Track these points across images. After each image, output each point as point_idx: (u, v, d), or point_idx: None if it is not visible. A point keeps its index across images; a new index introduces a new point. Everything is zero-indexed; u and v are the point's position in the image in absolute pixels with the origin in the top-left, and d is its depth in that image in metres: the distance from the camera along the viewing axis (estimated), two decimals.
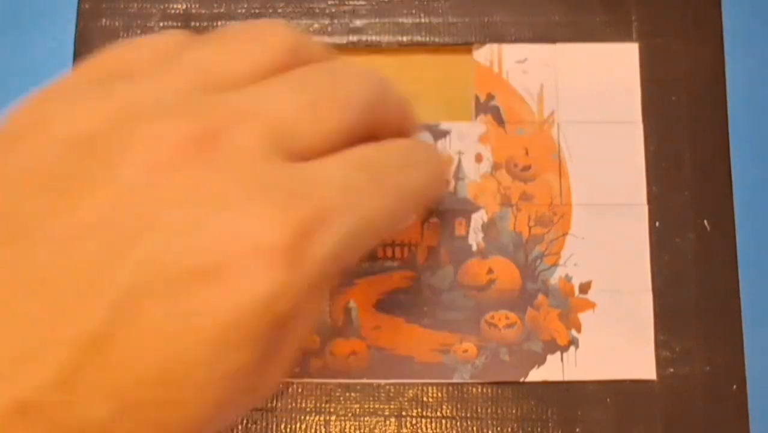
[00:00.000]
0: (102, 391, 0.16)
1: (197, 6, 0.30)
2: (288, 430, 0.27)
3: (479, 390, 0.27)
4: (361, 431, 0.27)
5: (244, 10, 0.30)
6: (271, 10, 0.30)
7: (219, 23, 0.30)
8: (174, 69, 0.18)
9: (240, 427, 0.27)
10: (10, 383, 0.15)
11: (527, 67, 0.30)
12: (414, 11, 0.30)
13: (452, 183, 0.29)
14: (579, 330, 0.28)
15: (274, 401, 0.27)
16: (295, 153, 0.18)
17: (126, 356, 0.16)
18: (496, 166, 0.29)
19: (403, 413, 0.27)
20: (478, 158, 0.29)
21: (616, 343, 0.27)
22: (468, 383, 0.27)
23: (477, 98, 0.29)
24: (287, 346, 0.19)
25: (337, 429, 0.27)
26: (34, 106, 0.18)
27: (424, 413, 0.27)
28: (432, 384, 0.27)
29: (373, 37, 0.30)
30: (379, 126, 0.20)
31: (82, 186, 0.16)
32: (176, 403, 0.16)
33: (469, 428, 0.27)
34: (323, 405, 0.27)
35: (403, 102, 0.22)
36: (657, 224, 0.28)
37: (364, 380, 0.27)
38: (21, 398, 0.15)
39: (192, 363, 0.16)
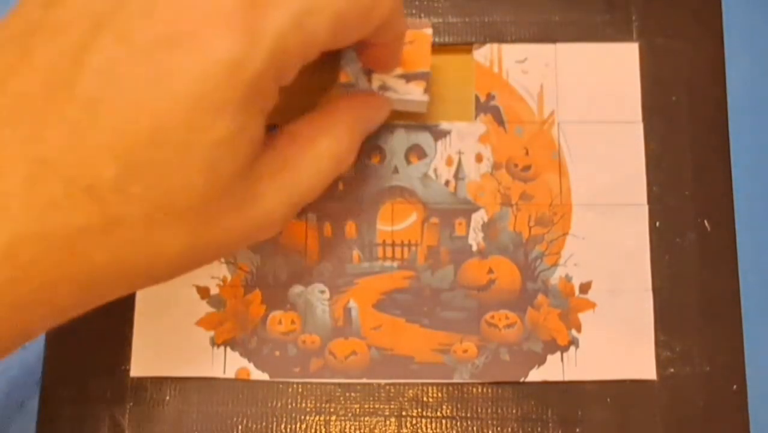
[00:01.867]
0: (105, 151, 0.18)
1: None
2: (288, 430, 0.27)
3: (479, 390, 0.27)
4: (361, 431, 0.27)
5: None
6: None
7: None
8: None
9: (240, 427, 0.27)
10: (28, 143, 0.18)
11: (527, 67, 0.30)
12: (414, 11, 0.30)
13: (453, 181, 0.29)
14: (579, 330, 0.28)
15: (274, 401, 0.27)
16: None
17: (117, 118, 0.18)
18: (496, 166, 0.29)
19: (404, 413, 0.27)
20: (479, 158, 0.29)
21: (616, 343, 0.28)
22: (468, 383, 0.27)
23: (477, 98, 0.29)
24: (286, 164, 0.22)
25: (338, 429, 0.27)
26: None
27: (424, 413, 0.27)
28: (432, 384, 0.27)
29: None
30: None
31: None
32: (171, 166, 0.19)
33: (469, 428, 0.27)
34: (323, 405, 0.27)
35: None
36: (657, 223, 0.28)
37: (364, 380, 0.27)
38: (38, 156, 0.18)
39: (175, 126, 0.19)
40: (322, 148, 0.24)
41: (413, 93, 0.27)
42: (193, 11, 0.19)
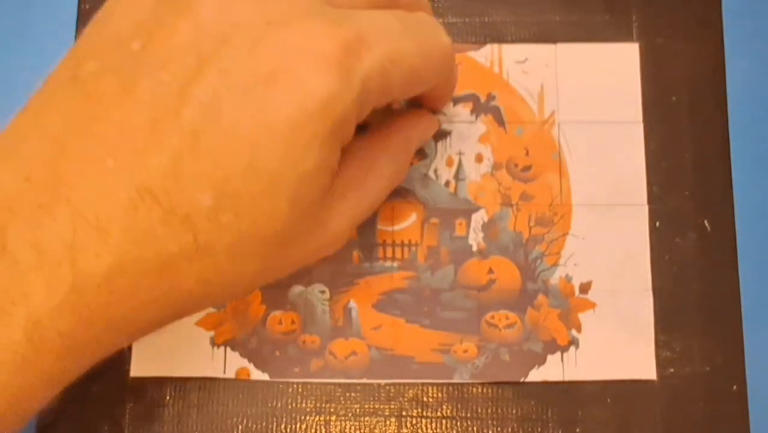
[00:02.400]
0: (203, 180, 0.19)
1: None
2: (288, 430, 0.27)
3: (479, 390, 0.27)
4: (362, 431, 0.27)
5: None
6: None
7: None
8: None
9: (240, 427, 0.27)
10: (131, 172, 0.19)
11: (527, 67, 0.30)
12: None
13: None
14: (579, 330, 0.28)
15: (274, 401, 0.27)
16: (333, 2, 0.22)
17: (217, 148, 0.19)
18: (496, 167, 0.29)
19: (404, 413, 0.27)
20: (479, 158, 0.29)
21: (617, 343, 0.28)
22: (468, 383, 0.27)
23: (477, 98, 0.29)
24: (349, 185, 0.24)
25: (338, 429, 0.27)
26: None
27: (425, 413, 0.27)
28: (432, 384, 0.27)
29: None
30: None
31: (167, 27, 0.20)
32: (261, 197, 0.20)
33: (470, 428, 0.27)
34: (323, 405, 0.27)
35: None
36: (657, 224, 0.28)
37: (365, 380, 0.27)
38: (140, 185, 0.19)
39: (269, 158, 0.20)
40: (382, 169, 0.25)
41: (461, 115, 0.29)
42: (293, 50, 0.20)
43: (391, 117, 0.27)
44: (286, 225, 0.21)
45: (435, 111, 0.28)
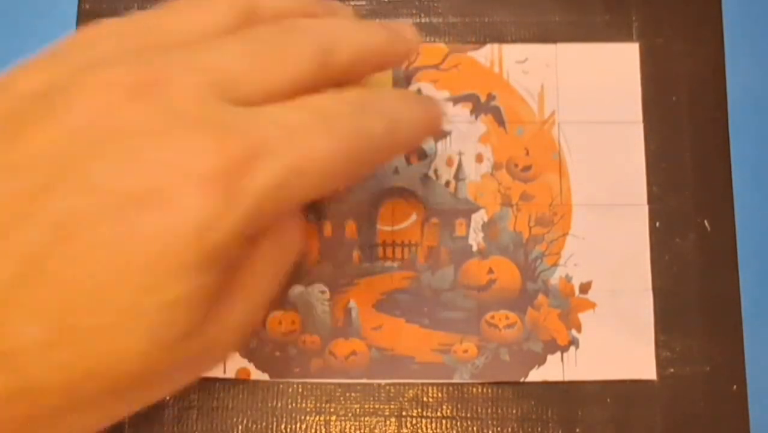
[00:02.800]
0: (37, 311, 0.16)
1: None
2: (288, 430, 0.27)
3: (479, 390, 0.27)
4: (362, 431, 0.27)
5: None
6: None
7: None
8: (127, 33, 0.20)
9: (240, 427, 0.27)
10: None
11: (528, 67, 0.30)
12: (414, 11, 0.30)
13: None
14: (579, 330, 0.28)
15: (274, 401, 0.27)
16: (240, 100, 0.18)
17: (62, 278, 0.16)
18: (496, 167, 0.29)
19: (404, 414, 0.27)
20: (479, 158, 0.29)
21: (617, 343, 0.28)
22: (468, 383, 0.27)
23: (477, 98, 0.29)
24: (233, 291, 0.19)
25: (338, 429, 0.27)
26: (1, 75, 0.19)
27: (425, 414, 0.27)
28: (432, 384, 0.27)
29: None
30: (347, 74, 0.21)
31: (33, 126, 0.17)
32: (112, 329, 0.17)
33: (470, 428, 0.27)
34: (323, 405, 0.27)
35: (382, 45, 0.21)
36: (657, 224, 0.28)
37: (365, 380, 0.27)
38: None
39: (127, 289, 0.17)
40: (267, 249, 0.21)
41: (461, 115, 0.29)
42: (173, 166, 0.17)
43: None
44: (147, 363, 0.17)
45: None
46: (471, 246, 0.28)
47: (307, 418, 0.27)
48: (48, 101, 0.18)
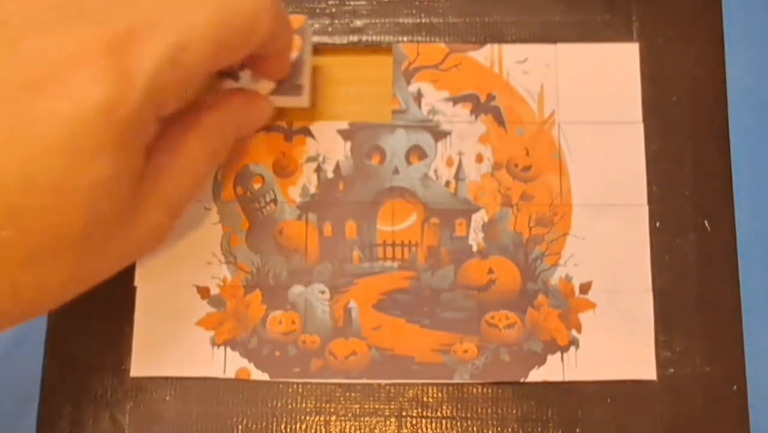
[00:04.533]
0: None
1: None
2: (288, 430, 0.27)
3: (479, 390, 0.27)
4: (362, 431, 0.27)
5: None
6: None
7: None
8: None
9: (240, 427, 0.27)
10: None
11: (528, 67, 0.30)
12: (414, 11, 0.30)
13: (453, 178, 0.29)
14: (579, 330, 0.28)
15: (274, 401, 0.27)
16: None
17: None
18: (496, 167, 0.29)
19: (404, 414, 0.27)
20: (479, 158, 0.29)
21: (617, 343, 0.28)
22: (468, 384, 0.27)
23: (477, 98, 0.29)
24: (166, 172, 0.22)
25: (338, 429, 0.27)
26: None
27: (425, 414, 0.27)
28: (432, 384, 0.27)
29: (374, 37, 0.30)
30: None
31: None
32: (46, 210, 0.19)
33: (470, 429, 0.27)
34: (323, 405, 0.27)
35: None
36: (657, 224, 0.28)
37: (365, 381, 0.27)
38: None
39: (46, 170, 0.18)
40: (193, 150, 0.23)
41: (461, 115, 0.29)
42: (58, 54, 0.19)
43: (205, 96, 0.25)
44: (83, 235, 0.20)
45: (277, 78, 0.27)
46: (471, 246, 0.28)
47: (307, 418, 0.27)
48: None
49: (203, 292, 0.28)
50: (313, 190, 0.29)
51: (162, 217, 0.23)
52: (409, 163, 0.29)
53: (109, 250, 0.22)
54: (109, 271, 0.23)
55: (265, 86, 0.27)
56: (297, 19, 0.28)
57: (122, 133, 0.19)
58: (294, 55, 0.27)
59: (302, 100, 0.28)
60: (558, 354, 0.27)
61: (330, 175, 0.29)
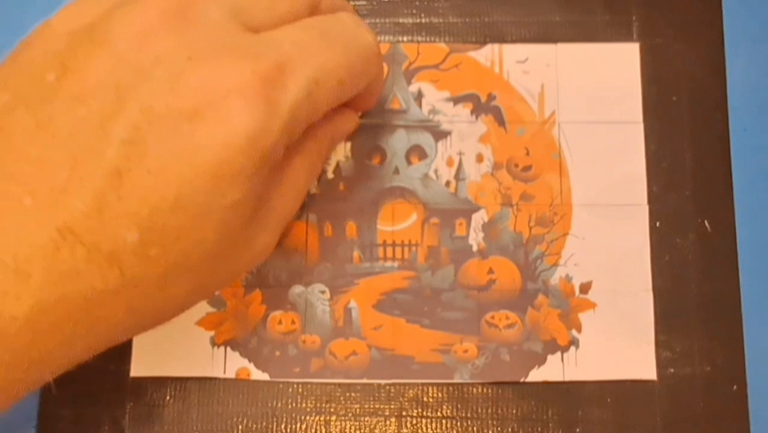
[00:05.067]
0: (128, 218, 0.19)
1: None
2: (288, 430, 0.27)
3: (479, 390, 0.27)
4: (362, 431, 0.27)
5: None
6: None
7: None
8: None
9: (240, 427, 0.27)
10: (51, 211, 0.18)
11: (528, 67, 0.30)
12: (414, 11, 0.30)
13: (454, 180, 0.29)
14: (579, 330, 0.28)
15: (274, 401, 0.27)
16: (255, 27, 0.22)
17: (142, 187, 0.19)
18: (496, 167, 0.29)
19: (404, 414, 0.27)
20: (479, 158, 0.29)
21: (617, 343, 0.28)
22: (468, 384, 0.27)
23: (478, 98, 0.29)
24: (276, 193, 0.23)
25: (338, 429, 0.27)
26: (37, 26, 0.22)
27: (425, 414, 0.27)
28: (432, 384, 0.27)
29: None
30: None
31: (84, 58, 0.20)
32: (188, 229, 0.20)
33: (470, 429, 0.27)
34: (323, 405, 0.27)
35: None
36: (657, 223, 0.28)
37: (365, 381, 0.27)
38: (62, 225, 0.18)
39: (195, 193, 0.20)
40: (298, 172, 0.25)
41: (461, 115, 0.29)
42: (215, 85, 0.20)
43: None
44: (213, 252, 0.21)
45: (366, 110, 0.28)
46: (471, 246, 0.28)
47: (307, 418, 0.27)
48: (89, 36, 0.20)
49: None
50: (313, 190, 0.29)
51: (270, 235, 0.24)
52: (409, 163, 0.29)
53: (228, 266, 0.23)
54: (223, 285, 0.25)
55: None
56: (382, 46, 0.28)
57: (262, 159, 0.20)
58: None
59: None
60: (558, 354, 0.27)
61: (330, 175, 0.29)
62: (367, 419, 0.27)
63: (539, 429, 0.27)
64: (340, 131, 0.28)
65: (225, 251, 0.22)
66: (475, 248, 0.28)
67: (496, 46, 0.30)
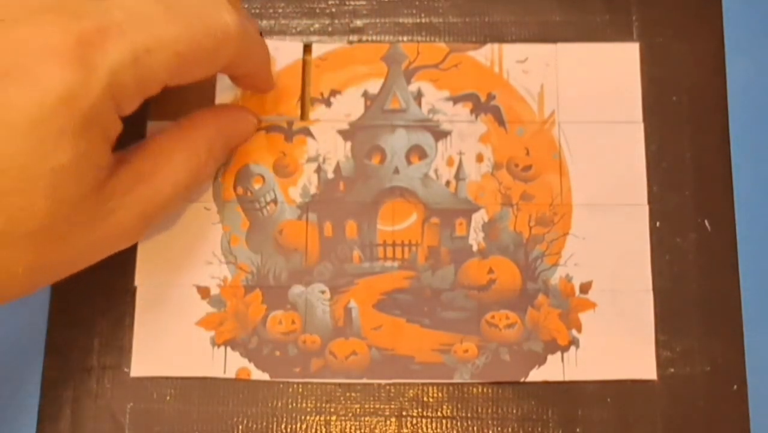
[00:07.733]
0: None
1: None
2: (288, 430, 0.27)
3: (480, 390, 0.27)
4: (362, 431, 0.27)
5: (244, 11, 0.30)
6: (271, 10, 0.30)
7: None
8: None
9: (240, 427, 0.27)
10: None
11: (528, 66, 0.30)
12: (414, 11, 0.30)
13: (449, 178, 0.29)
14: (579, 330, 0.28)
15: (274, 401, 0.27)
16: None
17: None
18: (496, 166, 0.29)
19: (404, 413, 0.27)
20: (479, 158, 0.29)
21: (617, 343, 0.28)
22: (468, 383, 0.27)
23: (477, 98, 0.29)
24: (138, 174, 0.23)
25: (338, 429, 0.27)
26: None
27: (425, 413, 0.27)
28: (432, 384, 0.27)
29: (374, 37, 0.30)
30: None
31: None
32: (12, 193, 0.20)
33: (470, 428, 0.27)
34: (324, 405, 0.27)
35: None
36: (657, 223, 0.28)
37: (365, 380, 0.27)
38: None
39: (15, 154, 0.20)
40: (177, 164, 0.25)
41: (461, 114, 0.29)
42: (25, 47, 0.20)
43: (199, 112, 0.27)
44: (47, 221, 0.21)
45: (261, 92, 0.29)
46: (471, 246, 0.28)
47: (307, 418, 0.27)
48: None
49: (203, 292, 0.28)
50: (313, 190, 0.29)
51: (133, 220, 0.24)
52: (409, 163, 0.29)
53: (75, 242, 0.22)
54: (75, 264, 0.23)
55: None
56: (382, 46, 0.29)
57: (82, 121, 0.20)
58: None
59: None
60: (558, 354, 0.27)
61: (330, 175, 0.29)
62: (367, 419, 0.27)
63: (539, 429, 0.27)
64: (236, 131, 0.28)
65: (67, 221, 0.21)
66: (475, 248, 0.28)
67: (495, 46, 0.30)
